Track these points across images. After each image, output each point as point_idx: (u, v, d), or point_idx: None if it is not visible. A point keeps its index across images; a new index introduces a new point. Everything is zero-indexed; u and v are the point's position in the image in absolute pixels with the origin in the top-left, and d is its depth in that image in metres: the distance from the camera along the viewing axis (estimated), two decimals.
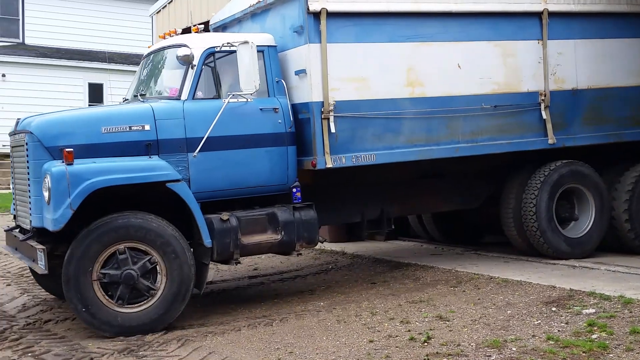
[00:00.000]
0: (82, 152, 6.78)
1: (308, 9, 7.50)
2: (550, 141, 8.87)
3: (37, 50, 25.09)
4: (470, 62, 8.44)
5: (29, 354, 6.24)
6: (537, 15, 8.84)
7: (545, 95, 8.82)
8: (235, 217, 7.29)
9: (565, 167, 9.13)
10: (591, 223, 9.19)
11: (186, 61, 7.29)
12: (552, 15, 8.89)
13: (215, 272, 9.95)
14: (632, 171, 9.49)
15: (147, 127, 7.05)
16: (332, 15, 7.64)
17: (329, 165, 7.60)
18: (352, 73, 7.79)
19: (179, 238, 6.84)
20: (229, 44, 7.33)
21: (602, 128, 9.29)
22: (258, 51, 7.63)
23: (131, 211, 6.76)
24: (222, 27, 9.20)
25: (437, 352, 5.66)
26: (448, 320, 6.59)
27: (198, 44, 7.44)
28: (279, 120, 7.63)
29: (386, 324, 6.61)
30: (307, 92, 7.61)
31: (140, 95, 7.76)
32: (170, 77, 7.67)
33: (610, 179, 9.55)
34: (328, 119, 7.59)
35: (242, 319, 7.21)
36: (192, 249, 7.19)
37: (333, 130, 7.61)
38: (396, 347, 5.88)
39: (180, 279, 6.80)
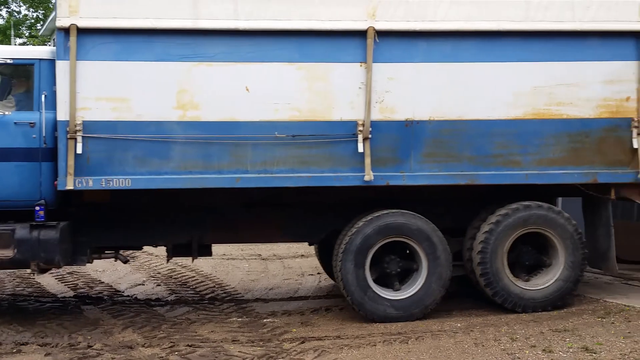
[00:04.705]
0: None
1: (56, 24, 7.29)
2: (366, 177, 7.74)
3: None
4: (263, 85, 7.59)
5: (176, 353, 6.74)
6: (361, 34, 7.71)
7: (364, 126, 7.72)
8: None
9: (383, 219, 7.98)
10: (419, 286, 8.00)
11: None
12: (383, 34, 7.71)
13: None
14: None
15: None
16: (88, 31, 7.31)
17: (69, 187, 7.33)
18: (110, 92, 7.40)
19: None
20: None
21: (450, 167, 7.92)
22: (29, 64, 7.63)
23: None
24: None
25: None
26: (595, 353, 6.32)
27: None
28: (34, 135, 7.52)
29: (527, 351, 6.44)
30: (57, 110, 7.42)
31: None
32: None
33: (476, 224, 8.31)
34: (75, 139, 7.33)
35: (377, 335, 7.31)
36: None
37: (79, 151, 7.33)
38: None
39: None
